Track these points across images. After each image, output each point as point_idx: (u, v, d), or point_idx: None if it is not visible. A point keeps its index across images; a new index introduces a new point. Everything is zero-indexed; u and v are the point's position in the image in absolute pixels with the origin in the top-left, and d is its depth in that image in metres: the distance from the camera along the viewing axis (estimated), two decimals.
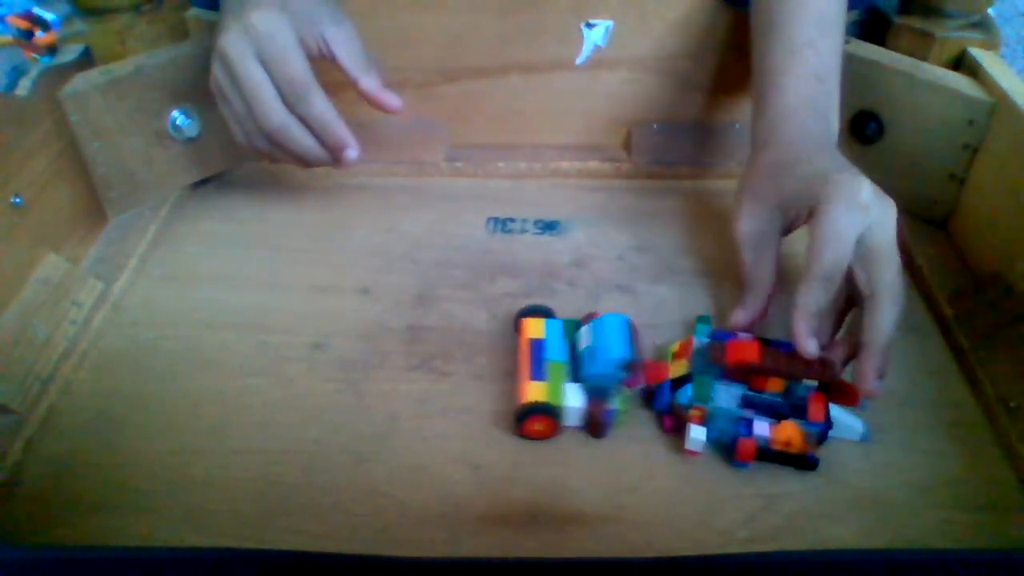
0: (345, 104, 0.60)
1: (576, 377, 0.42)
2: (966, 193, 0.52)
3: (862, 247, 0.41)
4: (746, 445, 0.39)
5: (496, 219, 0.57)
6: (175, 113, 0.54)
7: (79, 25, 0.54)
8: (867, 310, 0.40)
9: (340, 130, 0.47)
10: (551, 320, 0.45)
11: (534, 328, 0.44)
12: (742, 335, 0.43)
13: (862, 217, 0.41)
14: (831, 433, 0.41)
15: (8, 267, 0.46)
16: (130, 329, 0.49)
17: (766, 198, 0.47)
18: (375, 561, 0.34)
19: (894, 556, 0.35)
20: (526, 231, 0.56)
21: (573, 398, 0.41)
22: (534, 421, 0.41)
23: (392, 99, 0.48)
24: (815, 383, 0.41)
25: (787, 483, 0.40)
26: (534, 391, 0.41)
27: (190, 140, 0.56)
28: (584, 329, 0.43)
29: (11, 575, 0.29)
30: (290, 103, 0.46)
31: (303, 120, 0.47)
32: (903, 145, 0.54)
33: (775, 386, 0.41)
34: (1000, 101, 0.49)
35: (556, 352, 0.43)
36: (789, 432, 0.40)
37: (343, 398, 0.44)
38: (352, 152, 0.48)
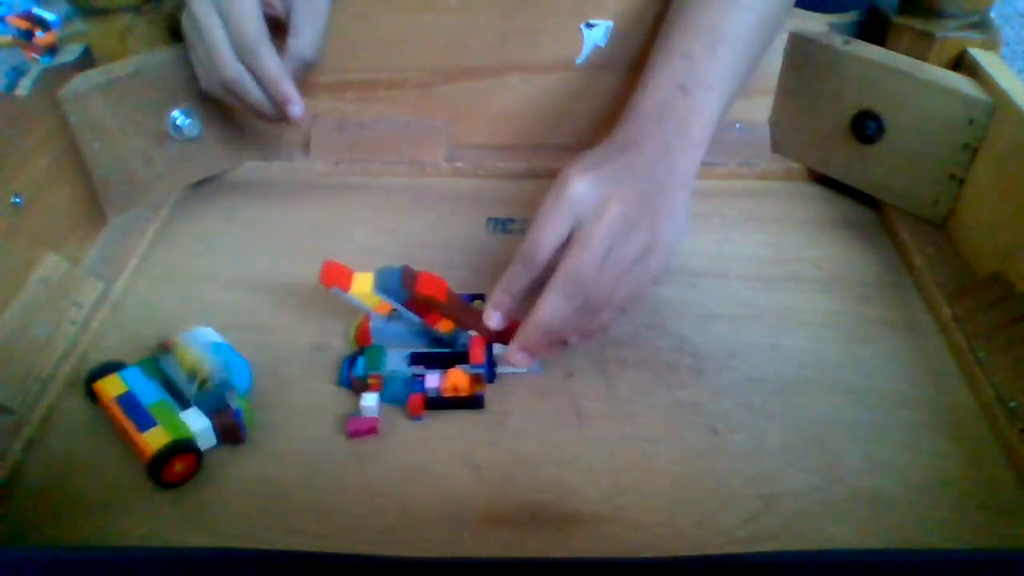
0: (347, 103, 0.61)
1: (185, 404, 0.41)
2: (966, 193, 0.52)
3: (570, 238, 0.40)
4: (415, 400, 0.42)
5: (496, 219, 0.57)
6: (175, 113, 0.54)
7: (79, 25, 0.54)
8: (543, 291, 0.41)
9: (285, 87, 0.48)
10: (124, 370, 0.43)
11: (112, 387, 0.42)
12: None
13: (568, 211, 0.40)
14: (501, 370, 0.44)
15: (8, 267, 0.46)
16: (130, 329, 0.49)
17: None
18: (375, 561, 0.34)
19: (894, 556, 0.35)
20: (525, 231, 0.56)
21: (195, 421, 0.40)
22: (174, 464, 0.39)
23: (296, 110, 0.50)
24: None
25: (787, 483, 0.40)
26: (154, 439, 0.39)
27: (190, 140, 0.56)
28: (168, 359, 0.43)
29: (11, 575, 0.29)
30: (241, 57, 0.48)
31: (253, 74, 0.48)
32: (903, 145, 0.54)
33: (445, 326, 0.44)
34: (1000, 101, 0.49)
35: (149, 394, 0.41)
36: (455, 378, 0.43)
37: (343, 398, 0.44)
38: (296, 108, 0.49)
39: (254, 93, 0.49)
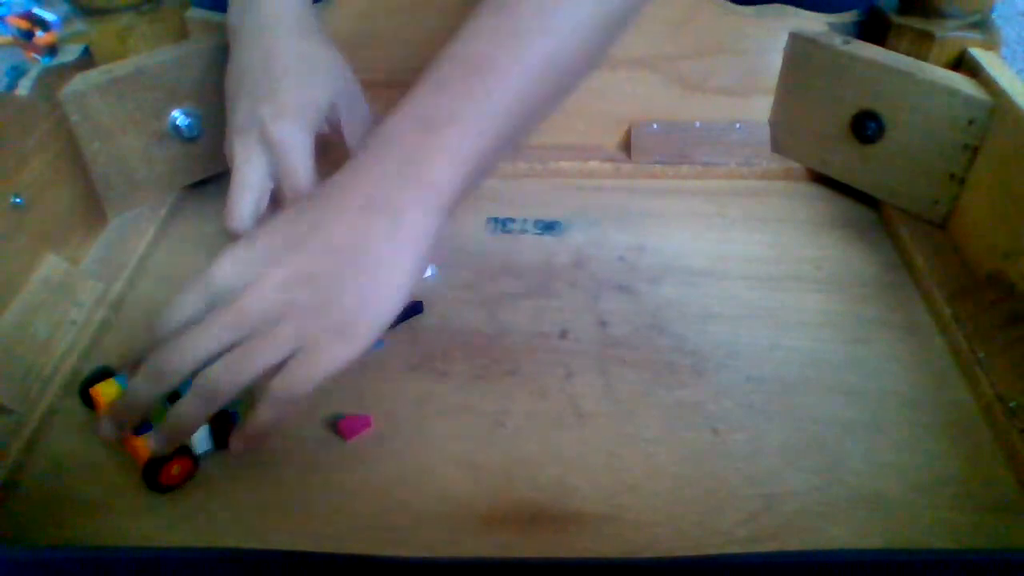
0: None
1: None
2: (966, 193, 0.52)
3: None
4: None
5: (496, 219, 0.57)
6: (175, 113, 0.55)
7: (79, 25, 0.54)
8: None
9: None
10: (120, 376, 0.42)
11: (108, 390, 0.41)
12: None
13: (203, 290, 0.37)
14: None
15: (8, 267, 0.46)
16: (130, 329, 0.48)
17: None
18: (375, 561, 0.34)
19: (894, 556, 0.35)
20: (526, 231, 0.56)
21: None
22: (171, 467, 0.38)
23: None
24: None
25: (787, 483, 0.40)
26: (149, 443, 0.38)
27: (190, 140, 0.56)
28: None
29: (11, 575, 0.29)
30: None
31: None
32: (903, 145, 0.54)
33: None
34: (1000, 101, 0.49)
35: None
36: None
37: (343, 398, 0.44)
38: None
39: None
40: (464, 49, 0.39)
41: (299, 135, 0.43)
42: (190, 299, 0.36)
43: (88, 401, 0.42)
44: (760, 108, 0.60)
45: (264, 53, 0.45)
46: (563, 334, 0.48)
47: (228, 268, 0.36)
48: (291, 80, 0.44)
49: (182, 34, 0.57)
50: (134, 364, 0.37)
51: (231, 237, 0.42)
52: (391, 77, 0.60)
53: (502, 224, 0.57)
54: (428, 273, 0.42)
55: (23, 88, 0.48)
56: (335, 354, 0.35)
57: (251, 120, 0.44)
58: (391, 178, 0.36)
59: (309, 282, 0.35)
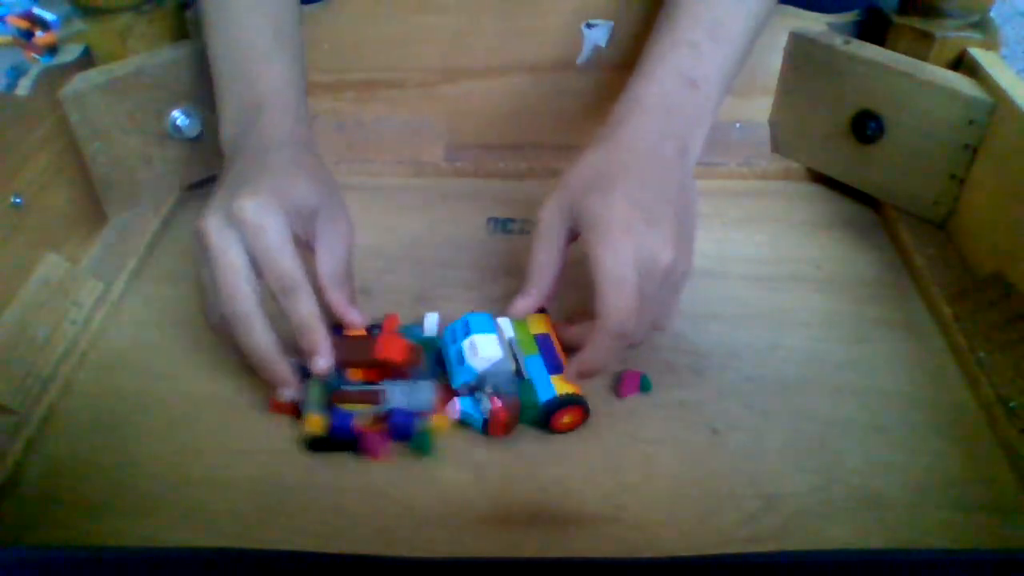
0: (347, 103, 0.61)
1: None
2: (966, 193, 0.52)
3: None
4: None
5: (496, 219, 0.57)
6: (175, 113, 0.54)
7: (79, 25, 0.54)
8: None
9: (321, 335, 0.41)
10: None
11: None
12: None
13: (631, 256, 0.39)
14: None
15: (8, 267, 0.46)
16: (130, 329, 0.49)
17: (569, 200, 0.43)
18: (375, 561, 0.34)
19: (894, 556, 0.35)
20: (526, 231, 0.56)
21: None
22: (564, 415, 0.41)
23: (354, 316, 0.44)
24: None
25: (787, 483, 0.40)
26: (559, 385, 0.41)
27: (190, 140, 0.56)
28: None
29: (11, 575, 0.29)
30: (277, 297, 0.41)
31: (286, 315, 0.41)
32: (903, 145, 0.54)
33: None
34: (1000, 101, 0.49)
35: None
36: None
37: None
38: (323, 362, 0.41)
39: (264, 338, 0.41)
40: (699, 12, 0.47)
41: (271, 215, 0.41)
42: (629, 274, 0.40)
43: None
44: (760, 108, 0.60)
45: (258, 162, 0.44)
46: None
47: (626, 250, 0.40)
48: (274, 175, 0.43)
49: (182, 34, 0.57)
50: None
51: (218, 329, 0.42)
52: (391, 77, 0.60)
53: (502, 224, 0.57)
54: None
55: (23, 88, 0.48)
56: (685, 275, 0.42)
57: (222, 205, 0.41)
58: (684, 133, 0.44)
59: (666, 220, 0.41)
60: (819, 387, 0.45)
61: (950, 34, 0.53)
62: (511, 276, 0.52)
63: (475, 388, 0.41)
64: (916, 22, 0.54)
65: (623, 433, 0.42)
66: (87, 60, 0.54)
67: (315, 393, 0.41)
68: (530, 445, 0.42)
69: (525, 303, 0.44)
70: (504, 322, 0.44)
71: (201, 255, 0.41)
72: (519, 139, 0.62)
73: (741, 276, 0.52)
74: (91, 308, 0.49)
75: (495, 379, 0.41)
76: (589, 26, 0.57)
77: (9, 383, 0.42)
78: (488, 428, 0.41)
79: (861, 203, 0.58)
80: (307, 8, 0.56)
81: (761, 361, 0.46)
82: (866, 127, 0.54)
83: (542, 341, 0.44)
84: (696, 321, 0.49)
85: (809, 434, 0.42)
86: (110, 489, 0.40)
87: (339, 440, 0.41)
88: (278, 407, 0.42)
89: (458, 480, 0.40)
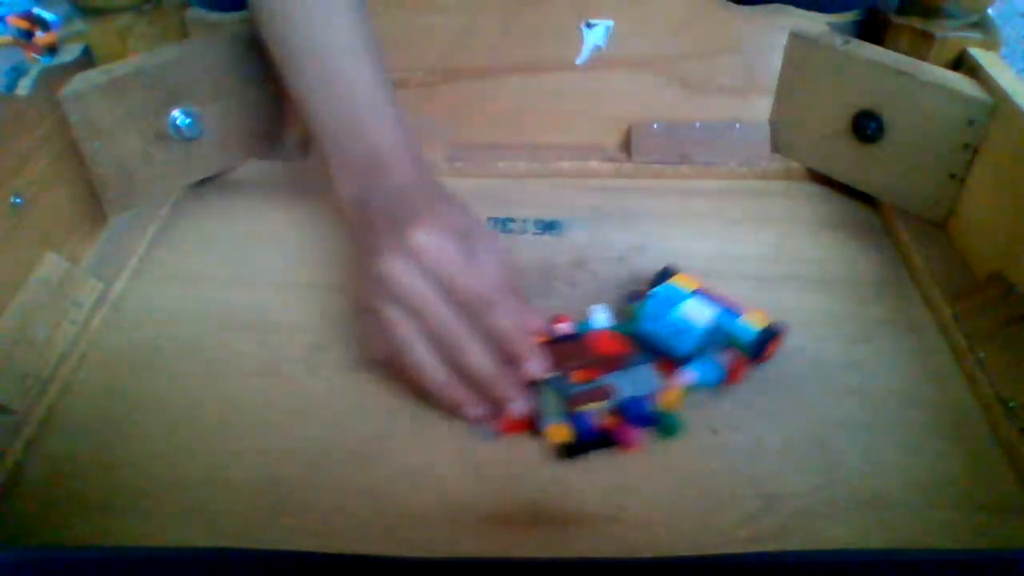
0: None
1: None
2: (966, 193, 0.52)
3: None
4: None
5: (496, 219, 0.57)
6: (175, 113, 0.54)
7: (79, 25, 0.54)
8: None
9: (530, 340, 0.41)
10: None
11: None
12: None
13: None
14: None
15: (8, 267, 0.46)
16: (130, 329, 0.49)
17: None
18: (375, 561, 0.34)
19: (894, 556, 0.35)
20: (526, 231, 0.56)
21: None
22: (772, 345, 0.44)
23: (535, 322, 0.43)
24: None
25: (787, 483, 0.40)
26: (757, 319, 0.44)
27: (190, 140, 0.56)
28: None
29: (11, 575, 0.29)
30: (477, 316, 0.40)
31: (489, 333, 0.40)
32: (903, 145, 0.54)
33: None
34: (1000, 101, 0.49)
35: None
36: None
37: (343, 398, 0.44)
38: (539, 363, 0.41)
39: (480, 357, 0.40)
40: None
41: (448, 239, 0.41)
42: None
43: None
44: (760, 108, 0.60)
45: (404, 204, 0.43)
46: None
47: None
48: (427, 208, 0.43)
49: (182, 34, 0.57)
50: None
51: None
52: (391, 77, 0.60)
53: (502, 224, 0.57)
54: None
55: (23, 88, 0.48)
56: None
57: (391, 247, 0.41)
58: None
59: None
60: (819, 387, 0.45)
61: (950, 34, 0.53)
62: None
63: (700, 350, 0.43)
64: (916, 22, 0.54)
65: None
66: (87, 60, 0.54)
67: (551, 404, 0.41)
68: (530, 445, 0.42)
69: None
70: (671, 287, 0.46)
71: (383, 298, 0.40)
72: (519, 139, 0.62)
73: (741, 276, 0.52)
74: (91, 308, 0.49)
75: (714, 335, 0.44)
76: (589, 26, 0.57)
77: (9, 383, 0.42)
78: (729, 379, 0.43)
79: (861, 203, 0.58)
80: None
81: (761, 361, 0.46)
82: (866, 127, 0.54)
83: (703, 295, 0.46)
84: None
85: (809, 434, 0.42)
86: (110, 489, 0.40)
87: (592, 441, 0.41)
88: (512, 426, 0.41)
89: (458, 480, 0.40)
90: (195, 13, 0.57)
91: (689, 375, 0.43)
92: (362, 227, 0.44)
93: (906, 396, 0.44)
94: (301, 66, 0.47)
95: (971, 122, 0.50)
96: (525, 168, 0.61)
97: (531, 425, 0.42)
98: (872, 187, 0.57)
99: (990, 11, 0.55)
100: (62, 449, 0.41)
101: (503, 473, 0.40)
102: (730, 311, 0.45)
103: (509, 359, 0.40)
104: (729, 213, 0.57)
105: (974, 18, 0.54)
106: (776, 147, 0.61)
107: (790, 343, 0.47)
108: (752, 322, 0.44)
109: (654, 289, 0.46)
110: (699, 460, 0.41)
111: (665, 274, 0.48)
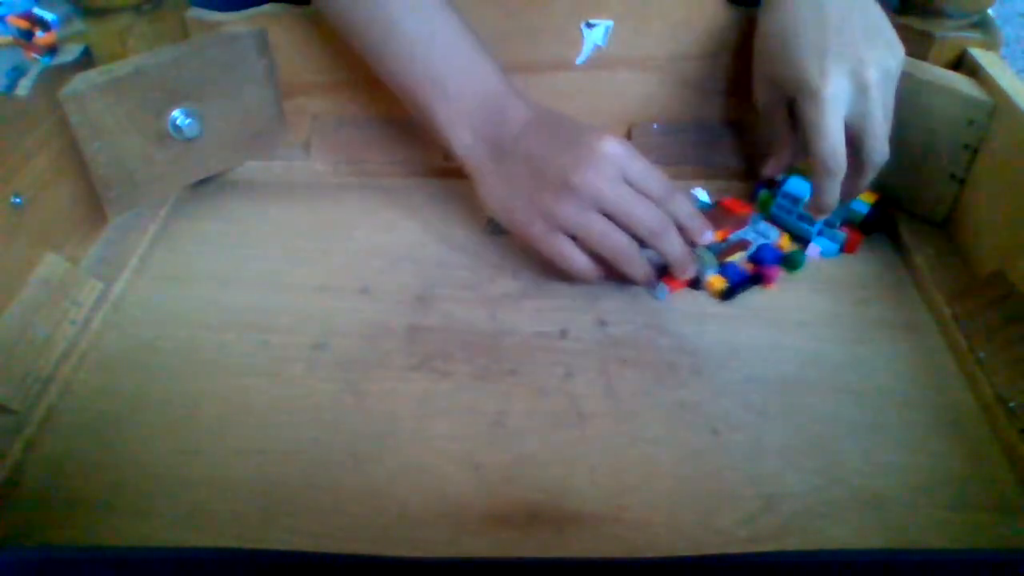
0: (347, 103, 0.61)
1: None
2: (966, 193, 0.52)
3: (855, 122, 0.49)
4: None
5: (495, 219, 0.57)
6: (175, 113, 0.54)
7: (79, 25, 0.54)
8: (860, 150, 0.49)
9: (702, 218, 0.49)
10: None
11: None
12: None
13: (839, 110, 0.48)
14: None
15: (8, 267, 0.46)
16: (130, 329, 0.49)
17: (767, 73, 0.53)
18: (375, 561, 0.34)
19: (894, 556, 0.35)
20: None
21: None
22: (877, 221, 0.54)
23: (709, 235, 0.50)
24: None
25: (787, 483, 0.40)
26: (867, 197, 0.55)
27: (190, 140, 0.56)
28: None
29: (11, 575, 0.29)
30: (664, 205, 0.47)
31: (675, 214, 0.48)
32: (903, 145, 0.53)
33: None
34: (1000, 101, 0.49)
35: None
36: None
37: (343, 398, 0.44)
38: (710, 233, 0.49)
39: (677, 240, 0.48)
40: None
41: (622, 144, 0.48)
42: (838, 121, 0.49)
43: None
44: None
45: (548, 127, 0.50)
46: (563, 334, 0.48)
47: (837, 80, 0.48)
48: (573, 123, 0.50)
49: (182, 34, 0.57)
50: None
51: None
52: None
53: (502, 224, 0.56)
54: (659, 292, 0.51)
55: (23, 88, 0.48)
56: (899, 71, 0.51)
57: (578, 150, 0.47)
58: None
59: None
60: (819, 387, 0.45)
61: (950, 34, 0.53)
62: (511, 276, 0.52)
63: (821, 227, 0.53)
64: (916, 22, 0.54)
65: (623, 433, 0.42)
66: (87, 60, 0.54)
67: (707, 260, 0.51)
68: (530, 445, 0.42)
69: (775, 163, 0.56)
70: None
71: (583, 209, 0.46)
72: None
73: None
74: (91, 308, 0.49)
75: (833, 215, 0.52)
76: (589, 26, 0.57)
77: (9, 383, 0.42)
78: (846, 248, 0.53)
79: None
80: (307, 8, 0.56)
81: (761, 361, 0.46)
82: None
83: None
84: (696, 321, 0.49)
85: (809, 434, 0.42)
86: (110, 489, 0.40)
87: (743, 282, 0.50)
88: (678, 284, 0.50)
89: (458, 480, 0.40)
90: (195, 13, 0.57)
91: (813, 249, 0.53)
92: (504, 162, 0.49)
93: (906, 396, 0.44)
94: (397, 28, 0.49)
95: (971, 122, 0.50)
96: None
97: (694, 283, 0.51)
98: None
99: (990, 11, 0.55)
100: (62, 449, 0.41)
101: (503, 473, 0.40)
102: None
103: (688, 234, 0.48)
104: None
105: (974, 18, 0.54)
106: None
107: (790, 343, 0.47)
108: (864, 200, 0.54)
109: (781, 190, 0.54)
110: (699, 460, 0.41)
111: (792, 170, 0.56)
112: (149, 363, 0.46)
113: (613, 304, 0.50)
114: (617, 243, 0.47)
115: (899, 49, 0.49)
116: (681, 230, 0.48)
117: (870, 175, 0.50)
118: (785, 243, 0.53)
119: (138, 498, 0.39)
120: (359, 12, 0.50)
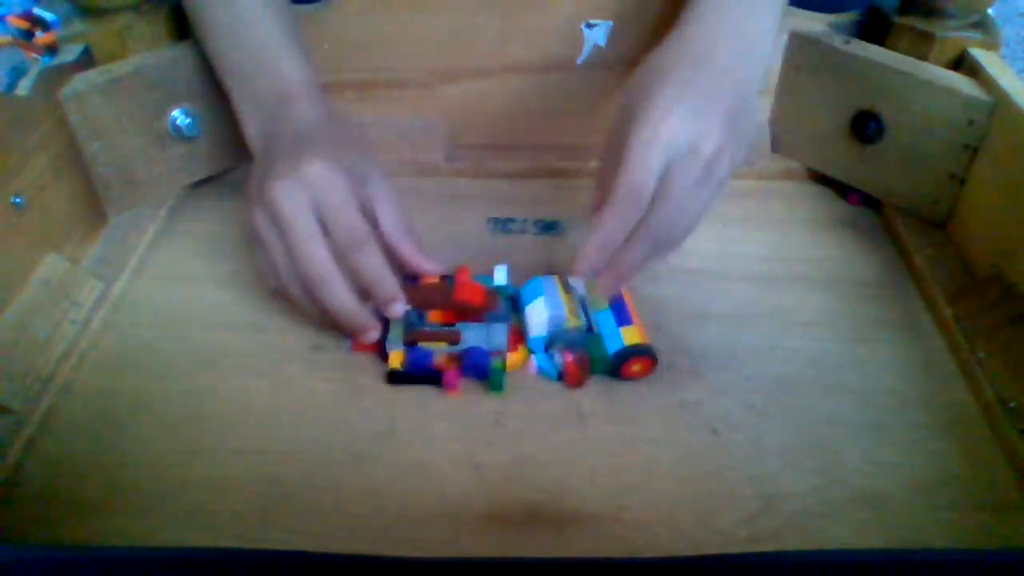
0: (347, 103, 0.61)
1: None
2: (966, 193, 0.52)
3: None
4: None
5: (496, 219, 0.57)
6: (175, 113, 0.54)
7: (79, 25, 0.54)
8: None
9: (393, 282, 0.44)
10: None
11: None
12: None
13: (662, 152, 0.41)
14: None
15: (8, 267, 0.46)
16: (130, 329, 0.49)
17: (626, 100, 0.46)
18: (375, 561, 0.34)
19: (894, 556, 0.35)
20: (526, 231, 0.56)
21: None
22: (632, 365, 0.44)
23: (429, 264, 0.47)
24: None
25: (787, 483, 0.40)
26: (631, 335, 0.44)
27: (190, 140, 0.56)
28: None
29: (11, 575, 0.29)
30: (346, 253, 0.43)
31: (355, 271, 0.44)
32: (903, 145, 0.54)
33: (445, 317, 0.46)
34: (1000, 101, 0.49)
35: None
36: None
37: (343, 398, 0.44)
38: (400, 306, 0.44)
39: (345, 296, 0.43)
40: None
41: (338, 174, 0.43)
42: (654, 159, 0.42)
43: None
44: (760, 108, 0.60)
45: (307, 138, 0.46)
46: None
47: (675, 126, 0.42)
48: (327, 145, 0.45)
49: (182, 34, 0.57)
50: None
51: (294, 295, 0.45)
52: (391, 77, 0.60)
53: (502, 224, 0.57)
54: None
55: (23, 88, 0.48)
56: (727, 177, 0.44)
57: (285, 172, 0.43)
58: (743, 33, 0.46)
59: (728, 132, 0.42)
60: (819, 387, 0.45)
61: (950, 34, 0.53)
62: (510, 276, 0.52)
63: (548, 345, 0.45)
64: (916, 22, 0.54)
65: (623, 433, 0.42)
66: (87, 60, 0.54)
67: (396, 332, 0.45)
68: (530, 445, 0.42)
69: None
70: (575, 282, 0.46)
71: (267, 222, 0.43)
72: (519, 139, 0.62)
73: (741, 276, 0.52)
74: (91, 308, 0.49)
75: (565, 336, 0.45)
76: (589, 26, 0.57)
77: (9, 383, 0.42)
78: (563, 379, 0.44)
79: (861, 203, 0.58)
80: (307, 8, 0.56)
81: (761, 361, 0.46)
82: (866, 127, 0.54)
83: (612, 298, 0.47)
84: (696, 321, 0.49)
85: (809, 434, 0.42)
86: (110, 489, 0.40)
87: (417, 374, 0.44)
88: (362, 347, 0.46)
89: (458, 480, 0.40)
90: (192, 14, 0.57)
91: (531, 366, 0.45)
92: (264, 158, 0.47)
93: (906, 396, 0.44)
94: (214, 16, 0.50)
95: (971, 122, 0.50)
96: (525, 168, 0.61)
97: (380, 348, 0.45)
98: (872, 187, 0.57)
99: (990, 11, 0.55)
100: (62, 449, 0.41)
101: (503, 473, 0.40)
102: (617, 318, 0.45)
103: (371, 296, 0.44)
104: (729, 213, 0.57)
105: (974, 18, 0.54)
106: (776, 147, 0.61)
107: (790, 343, 0.47)
108: (623, 337, 0.44)
109: (529, 282, 0.48)
110: (699, 460, 0.41)
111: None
112: (149, 363, 0.46)
113: None
114: (288, 288, 0.44)
115: (750, 137, 0.47)
116: (369, 290, 0.44)
117: (645, 251, 0.43)
118: (516, 359, 0.45)
119: (138, 498, 0.39)
120: (189, 6, 0.51)
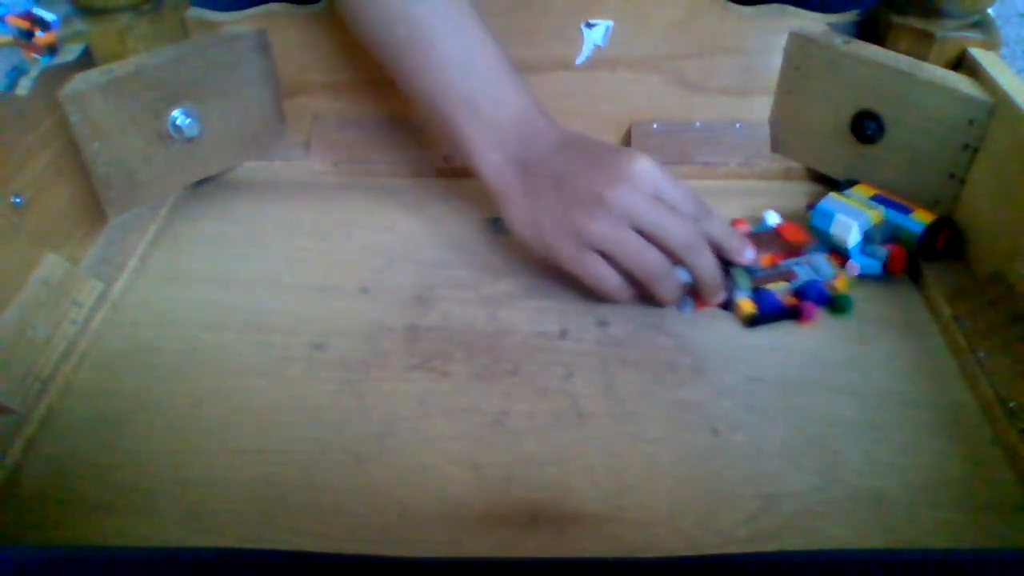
0: (347, 103, 0.61)
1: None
2: (966, 193, 0.52)
3: None
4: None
5: (496, 219, 0.57)
6: (175, 113, 0.54)
7: (79, 25, 0.54)
8: None
9: (740, 236, 0.49)
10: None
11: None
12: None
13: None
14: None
15: (8, 267, 0.46)
16: (130, 329, 0.49)
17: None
18: (375, 561, 0.34)
19: (894, 556, 0.35)
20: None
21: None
22: (942, 238, 0.51)
23: (751, 253, 0.49)
24: None
25: (787, 483, 0.40)
26: (922, 216, 0.51)
27: (190, 140, 0.56)
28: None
29: (11, 575, 0.29)
30: (696, 221, 0.47)
31: (710, 233, 0.47)
32: (903, 145, 0.54)
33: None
34: (1000, 101, 0.49)
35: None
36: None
37: (343, 398, 0.44)
38: (750, 252, 0.48)
39: (711, 257, 0.47)
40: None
41: (647, 161, 0.47)
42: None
43: None
44: (760, 108, 0.60)
45: (574, 153, 0.49)
46: (563, 334, 0.48)
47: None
48: (600, 144, 0.50)
49: (182, 34, 0.57)
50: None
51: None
52: (391, 77, 0.60)
53: (501, 224, 0.56)
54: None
55: (23, 88, 0.48)
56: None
57: (580, 206, 0.46)
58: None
59: None
60: (819, 387, 0.45)
61: (950, 34, 0.53)
62: (511, 276, 0.52)
63: (864, 246, 0.51)
64: (916, 22, 0.54)
65: (623, 433, 0.42)
66: (87, 60, 0.54)
67: (740, 281, 0.49)
68: (530, 445, 0.42)
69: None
70: (850, 193, 0.53)
71: (618, 224, 0.46)
72: None
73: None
74: (91, 308, 0.49)
75: (875, 232, 0.51)
76: (589, 26, 0.57)
77: (9, 383, 0.42)
78: (889, 266, 0.50)
79: None
80: (307, 8, 0.57)
81: (761, 361, 0.46)
82: (866, 127, 0.54)
83: (879, 199, 0.53)
84: (696, 321, 0.49)
85: (809, 434, 0.42)
86: (110, 489, 0.40)
87: (773, 313, 0.48)
88: (704, 305, 0.49)
89: (457, 480, 0.40)
90: (195, 13, 0.57)
91: (853, 268, 0.50)
92: (532, 183, 0.48)
93: (906, 396, 0.44)
94: (436, 49, 0.49)
95: (971, 122, 0.50)
96: None
97: (726, 305, 0.49)
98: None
99: (990, 11, 0.55)
100: (62, 449, 0.41)
101: (503, 473, 0.40)
102: (897, 209, 0.51)
103: (726, 253, 0.48)
104: (729, 213, 0.57)
105: (974, 18, 0.54)
106: (776, 147, 0.61)
107: (790, 343, 0.47)
108: (919, 218, 0.50)
109: (819, 206, 0.52)
110: (699, 460, 0.41)
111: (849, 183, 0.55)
112: (149, 363, 0.46)
113: (613, 304, 0.50)
114: (651, 260, 0.46)
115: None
116: (720, 249, 0.47)
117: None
118: (841, 284, 0.50)
119: (138, 498, 0.39)
120: (397, 31, 0.50)
